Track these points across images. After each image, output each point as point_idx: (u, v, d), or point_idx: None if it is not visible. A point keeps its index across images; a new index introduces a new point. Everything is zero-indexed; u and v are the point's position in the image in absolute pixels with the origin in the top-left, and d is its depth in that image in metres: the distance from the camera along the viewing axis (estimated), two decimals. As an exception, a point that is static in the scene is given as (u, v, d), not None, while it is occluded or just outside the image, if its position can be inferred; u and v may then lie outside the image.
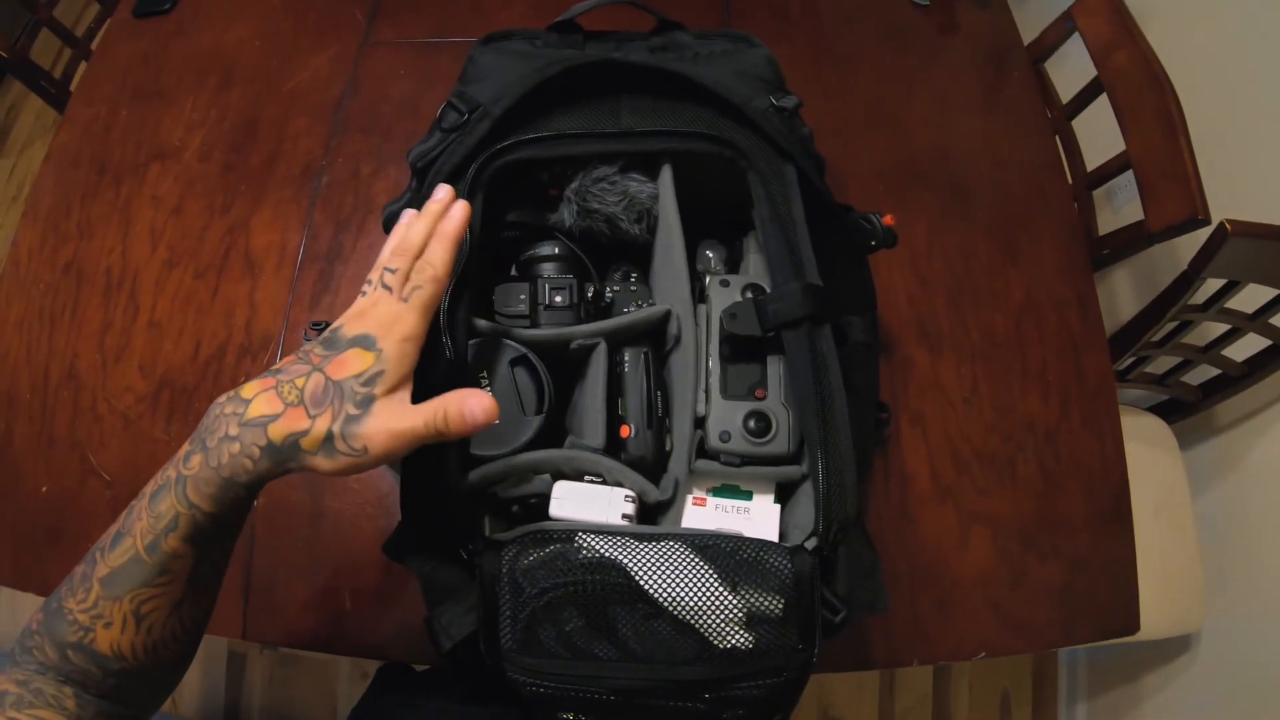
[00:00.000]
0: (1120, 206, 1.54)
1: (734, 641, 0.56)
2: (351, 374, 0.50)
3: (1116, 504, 0.94)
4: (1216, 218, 1.02)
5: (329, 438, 0.49)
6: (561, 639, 0.56)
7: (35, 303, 1.00)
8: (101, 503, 0.90)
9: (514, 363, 0.64)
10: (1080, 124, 1.30)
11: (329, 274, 1.00)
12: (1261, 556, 1.33)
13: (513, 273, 0.76)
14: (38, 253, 1.03)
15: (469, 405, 0.50)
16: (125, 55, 1.19)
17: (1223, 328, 1.22)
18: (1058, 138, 1.25)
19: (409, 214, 0.58)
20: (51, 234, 1.05)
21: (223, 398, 0.51)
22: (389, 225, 0.72)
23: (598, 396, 0.65)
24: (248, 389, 0.50)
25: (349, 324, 0.53)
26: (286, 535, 0.88)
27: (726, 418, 0.65)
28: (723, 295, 0.68)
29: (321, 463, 0.49)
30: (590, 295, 0.71)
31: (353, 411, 0.49)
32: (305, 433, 0.48)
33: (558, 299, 0.69)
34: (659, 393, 0.67)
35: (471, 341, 0.64)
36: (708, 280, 0.70)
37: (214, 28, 1.20)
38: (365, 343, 0.51)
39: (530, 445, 0.63)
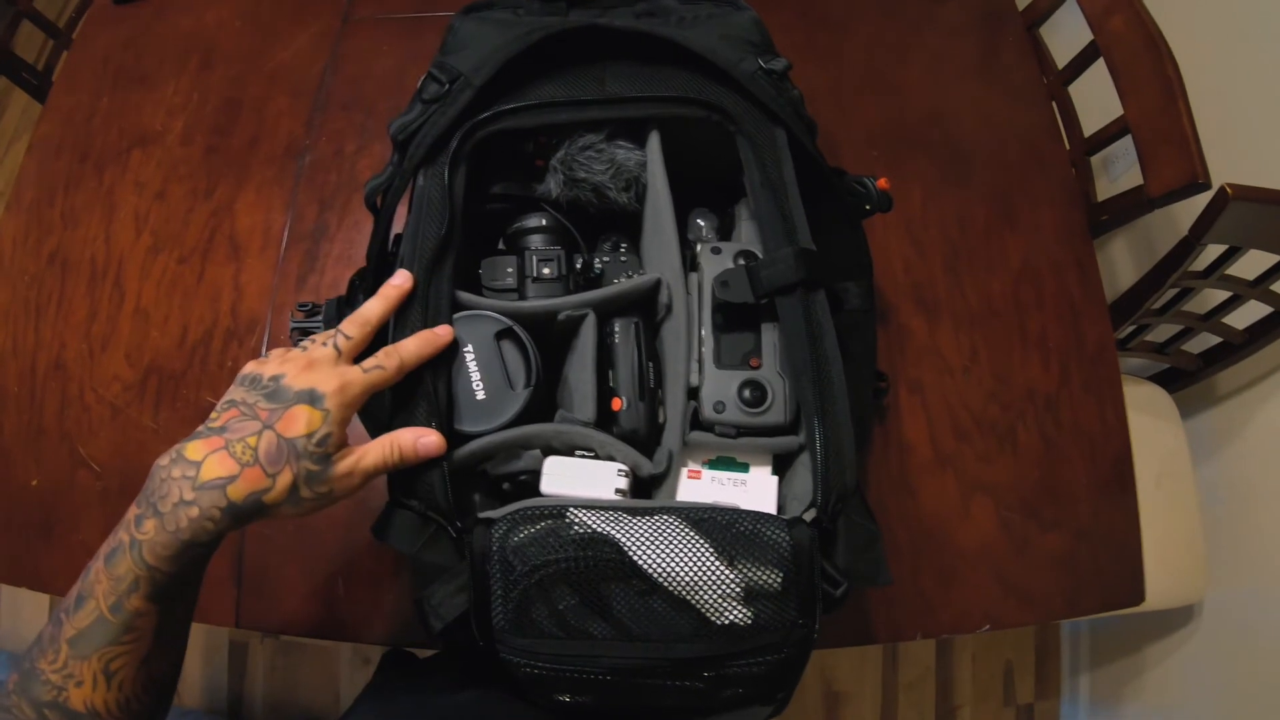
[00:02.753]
0: (1117, 176, 1.52)
1: (732, 617, 0.55)
2: (300, 433, 0.52)
3: (1119, 471, 0.93)
4: (1217, 183, 1.00)
5: (294, 489, 0.52)
6: (554, 618, 0.55)
7: (21, 294, 0.99)
8: (92, 494, 0.89)
9: (499, 336, 0.62)
10: (1076, 90, 1.28)
11: (314, 254, 0.98)
12: (1263, 526, 1.32)
13: (499, 246, 0.75)
14: (22, 244, 1.02)
15: (424, 442, 0.57)
16: (106, 42, 1.17)
17: (1223, 295, 1.21)
18: (1054, 104, 1.23)
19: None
20: (35, 224, 1.03)
21: (164, 459, 0.51)
22: (370, 200, 0.70)
23: (587, 369, 0.64)
24: (192, 449, 0.51)
25: (294, 376, 0.54)
26: (277, 522, 0.86)
27: (721, 388, 0.63)
28: (714, 263, 0.67)
29: (287, 511, 0.53)
30: (579, 266, 0.70)
31: (312, 467, 0.52)
32: (268, 489, 0.51)
33: (545, 271, 0.68)
34: (651, 364, 0.65)
35: (456, 315, 0.63)
36: (699, 248, 0.69)
37: (194, 10, 1.18)
38: (313, 399, 0.53)
39: (518, 420, 0.62)
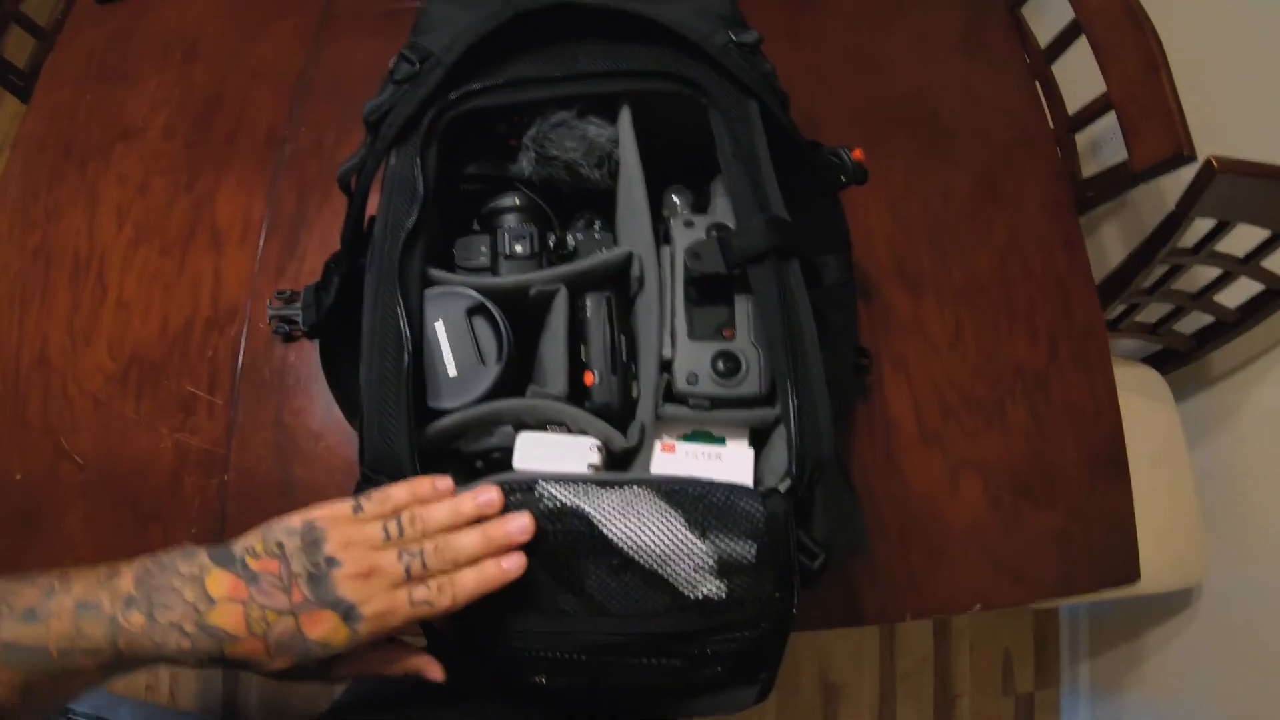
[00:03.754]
0: (1105, 160, 1.51)
1: (706, 591, 0.54)
2: (319, 638, 0.49)
3: (1111, 447, 0.93)
4: (1203, 157, 0.99)
5: (285, 672, 0.51)
6: (525, 594, 0.54)
7: (5, 289, 0.99)
8: (74, 486, 0.89)
9: (471, 312, 0.62)
10: (1060, 70, 1.27)
11: (294, 241, 0.98)
12: (1260, 507, 1.31)
13: (475, 227, 0.74)
14: (6, 239, 1.02)
15: (428, 669, 0.55)
16: (89, 39, 1.17)
17: (1214, 272, 1.20)
18: (1038, 83, 1.22)
19: (476, 499, 0.54)
20: (20, 220, 1.03)
21: (184, 565, 0.50)
22: (344, 181, 0.70)
23: (559, 343, 0.63)
24: (215, 581, 0.49)
25: (346, 575, 0.50)
26: (257, 509, 0.85)
27: (694, 359, 0.63)
28: (687, 236, 0.66)
29: (270, 676, 0.52)
30: (553, 244, 0.69)
31: (313, 666, 0.51)
32: (260, 665, 0.50)
33: (518, 248, 0.67)
34: (623, 337, 0.65)
35: (427, 291, 0.62)
36: (671, 222, 0.68)
37: (176, 5, 1.17)
38: (349, 615, 0.50)
39: (490, 395, 0.61)
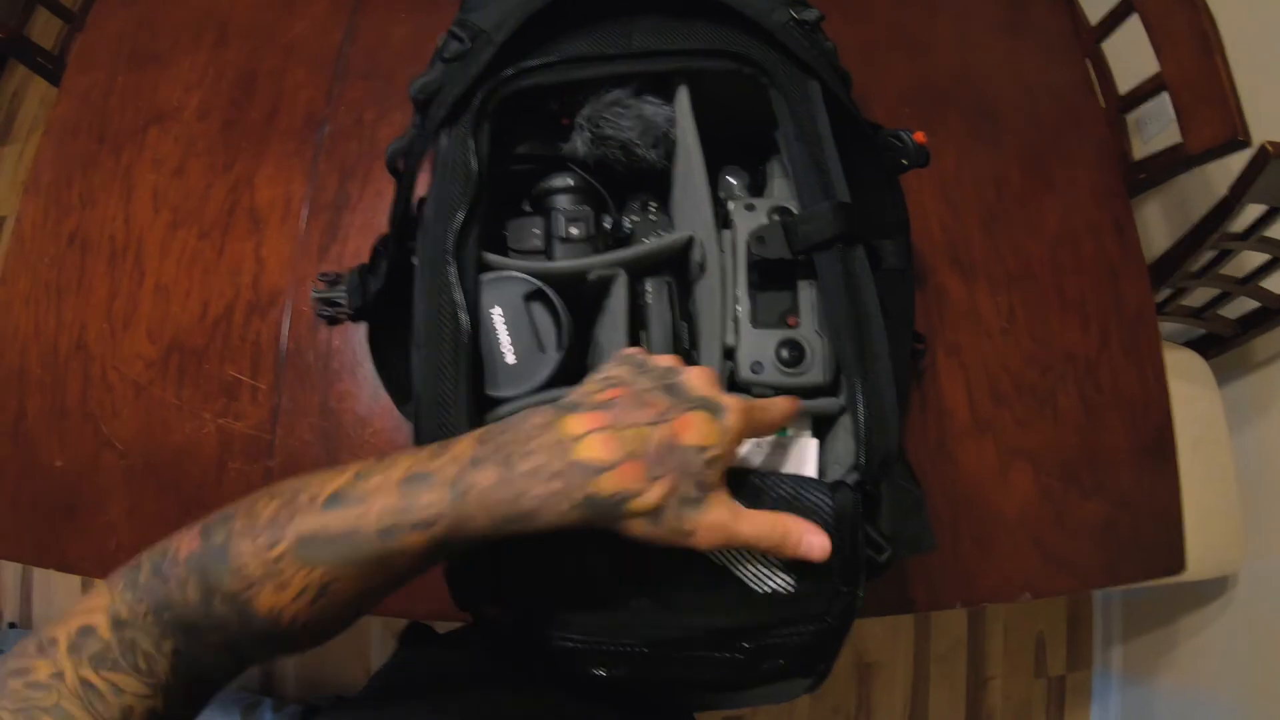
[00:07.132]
0: (1150, 137, 1.49)
1: (773, 585, 0.53)
2: (694, 443, 0.44)
3: (1159, 437, 0.91)
4: (1257, 141, 0.97)
5: (661, 508, 0.44)
6: (590, 588, 0.53)
7: (41, 276, 0.98)
8: (116, 473, 0.88)
9: (529, 298, 0.61)
10: (1111, 47, 1.25)
11: (336, 224, 0.97)
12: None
13: (525, 208, 0.73)
14: (41, 226, 1.01)
15: (810, 539, 0.48)
16: (119, 21, 1.15)
17: (1262, 258, 1.18)
18: (1088, 61, 1.20)
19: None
20: (54, 206, 1.02)
21: (538, 416, 0.45)
22: (392, 163, 0.69)
23: (619, 330, 0.62)
24: (570, 424, 0.44)
25: (697, 378, 0.47)
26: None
27: (758, 348, 0.61)
28: (748, 219, 0.65)
29: (637, 528, 0.45)
30: (608, 226, 0.68)
31: (691, 494, 0.44)
32: (637, 495, 0.43)
33: (573, 231, 0.66)
34: (684, 324, 0.63)
35: (483, 276, 0.61)
36: (731, 205, 0.66)
37: (207, -16, 1.16)
38: (715, 410, 0.46)
39: (549, 384, 0.60)
